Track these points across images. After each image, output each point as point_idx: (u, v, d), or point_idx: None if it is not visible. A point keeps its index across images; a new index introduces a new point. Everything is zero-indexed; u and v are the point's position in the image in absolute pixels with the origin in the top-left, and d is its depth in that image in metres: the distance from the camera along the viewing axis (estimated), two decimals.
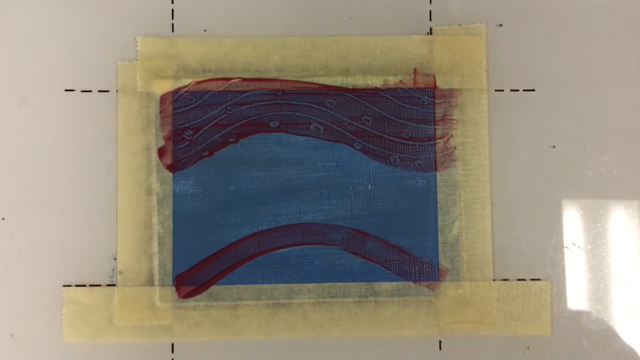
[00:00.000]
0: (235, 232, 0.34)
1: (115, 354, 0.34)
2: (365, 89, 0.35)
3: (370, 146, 0.35)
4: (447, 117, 0.35)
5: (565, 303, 0.35)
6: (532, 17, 0.36)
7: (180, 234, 0.34)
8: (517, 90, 0.35)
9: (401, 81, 0.35)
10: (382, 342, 0.34)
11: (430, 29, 0.36)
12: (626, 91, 0.35)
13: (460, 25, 0.36)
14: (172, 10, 0.36)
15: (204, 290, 0.34)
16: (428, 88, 0.35)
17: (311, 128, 0.35)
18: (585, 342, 0.35)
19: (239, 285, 0.34)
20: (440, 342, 0.35)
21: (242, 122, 0.35)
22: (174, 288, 0.34)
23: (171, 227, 0.34)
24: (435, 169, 0.35)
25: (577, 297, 0.35)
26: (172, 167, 0.35)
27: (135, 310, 0.34)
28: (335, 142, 0.35)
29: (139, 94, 0.35)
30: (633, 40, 0.36)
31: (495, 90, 0.35)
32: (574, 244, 0.35)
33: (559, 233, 0.35)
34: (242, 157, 0.35)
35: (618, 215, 0.35)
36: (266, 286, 0.34)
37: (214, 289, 0.34)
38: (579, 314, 0.35)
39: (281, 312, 0.34)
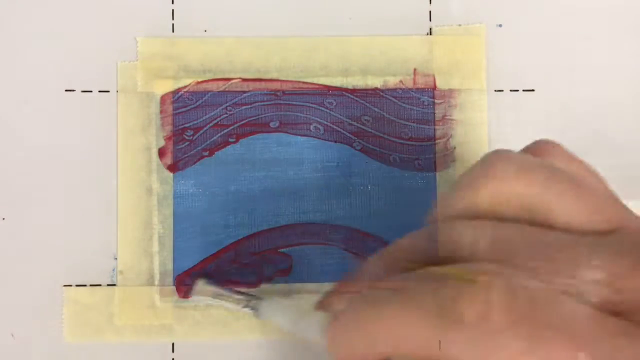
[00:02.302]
0: (235, 232, 0.35)
1: (115, 353, 0.34)
2: (365, 89, 0.35)
3: (370, 146, 0.35)
4: (447, 117, 0.35)
5: None
6: (532, 17, 0.36)
7: (181, 234, 0.34)
8: (517, 91, 0.35)
9: (401, 81, 0.35)
10: None
11: (430, 29, 0.36)
12: (626, 91, 0.36)
13: (460, 25, 0.36)
14: (172, 10, 0.36)
15: None
16: (428, 88, 0.35)
17: (311, 128, 0.35)
18: None
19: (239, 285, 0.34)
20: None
21: (242, 122, 0.35)
22: (174, 288, 0.34)
23: (171, 227, 0.34)
24: (435, 169, 0.35)
25: None
26: (172, 167, 0.35)
27: (136, 310, 0.34)
28: (335, 142, 0.35)
29: (139, 94, 0.35)
30: (633, 40, 0.36)
31: (495, 91, 0.35)
32: None
33: None
34: (242, 157, 0.35)
35: None
36: (266, 286, 0.34)
37: None
38: None
39: None
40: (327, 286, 0.34)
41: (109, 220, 0.35)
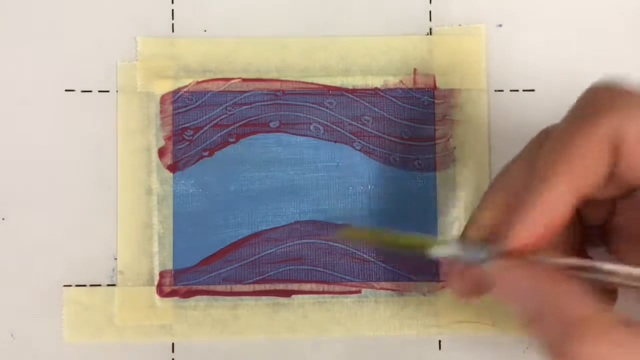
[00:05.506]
0: (235, 232, 0.35)
1: (115, 354, 0.34)
2: (365, 89, 0.35)
3: (370, 146, 0.35)
4: (447, 117, 0.35)
5: None
6: (532, 17, 0.36)
7: (180, 234, 0.34)
8: (517, 91, 0.35)
9: (401, 81, 0.35)
10: (382, 341, 0.34)
11: (430, 29, 0.36)
12: None
13: (460, 25, 0.36)
14: (172, 10, 0.36)
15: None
16: (428, 88, 0.35)
17: (311, 128, 0.35)
18: None
19: (239, 285, 0.34)
20: (440, 341, 0.35)
21: (242, 122, 0.35)
22: (174, 288, 0.34)
23: (171, 227, 0.34)
24: (435, 169, 0.35)
25: None
26: (172, 167, 0.35)
27: (136, 310, 0.34)
28: (335, 142, 0.35)
29: (139, 94, 0.35)
30: (633, 40, 0.36)
31: (495, 91, 0.35)
32: None
33: None
34: (242, 157, 0.35)
35: None
36: (266, 286, 0.34)
37: None
38: None
39: (281, 312, 0.34)
40: (327, 286, 0.34)
41: (109, 220, 0.35)
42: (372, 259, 0.34)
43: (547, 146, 0.26)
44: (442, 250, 0.28)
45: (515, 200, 0.26)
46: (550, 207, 0.25)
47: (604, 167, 0.25)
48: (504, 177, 0.29)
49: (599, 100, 0.25)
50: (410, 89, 0.35)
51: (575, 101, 0.27)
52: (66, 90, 0.35)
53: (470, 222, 0.29)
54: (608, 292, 0.29)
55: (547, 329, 0.24)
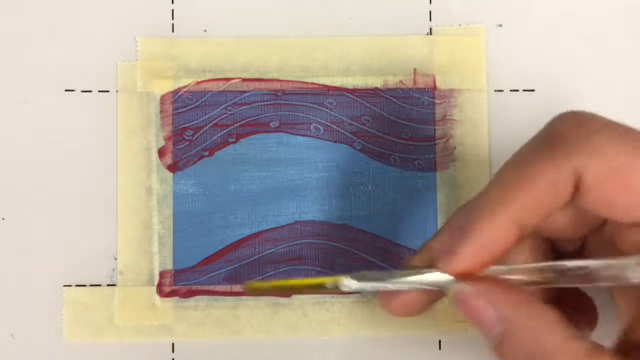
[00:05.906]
0: (236, 232, 0.35)
1: (115, 354, 0.34)
2: (365, 89, 0.35)
3: (370, 146, 0.35)
4: (447, 117, 0.35)
5: None
6: (532, 17, 0.36)
7: (180, 234, 0.34)
8: (517, 91, 0.35)
9: (401, 81, 0.35)
10: (381, 342, 0.34)
11: (430, 29, 0.36)
12: (626, 92, 0.36)
13: (460, 25, 0.36)
14: (172, 10, 0.36)
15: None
16: (428, 88, 0.35)
17: (311, 128, 0.35)
18: None
19: (240, 285, 0.34)
20: (439, 341, 0.35)
21: (242, 122, 0.35)
22: (174, 288, 0.34)
23: (171, 227, 0.34)
24: (435, 169, 0.35)
25: None
26: (172, 167, 0.35)
27: (136, 310, 0.34)
28: (335, 142, 0.35)
29: (139, 94, 0.35)
30: (633, 40, 0.36)
31: (495, 91, 0.35)
32: None
33: None
34: (242, 157, 0.35)
35: None
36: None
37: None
38: None
39: (281, 312, 0.34)
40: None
41: (109, 220, 0.35)
42: (373, 259, 0.34)
43: (500, 172, 0.26)
44: (354, 284, 0.26)
45: (459, 224, 0.26)
46: (491, 237, 0.25)
47: (556, 202, 0.25)
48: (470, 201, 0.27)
49: (564, 135, 0.25)
50: (410, 89, 0.35)
51: (542, 128, 0.26)
52: (66, 90, 0.35)
53: (420, 249, 0.28)
54: (588, 317, 0.28)
55: (513, 354, 0.24)
